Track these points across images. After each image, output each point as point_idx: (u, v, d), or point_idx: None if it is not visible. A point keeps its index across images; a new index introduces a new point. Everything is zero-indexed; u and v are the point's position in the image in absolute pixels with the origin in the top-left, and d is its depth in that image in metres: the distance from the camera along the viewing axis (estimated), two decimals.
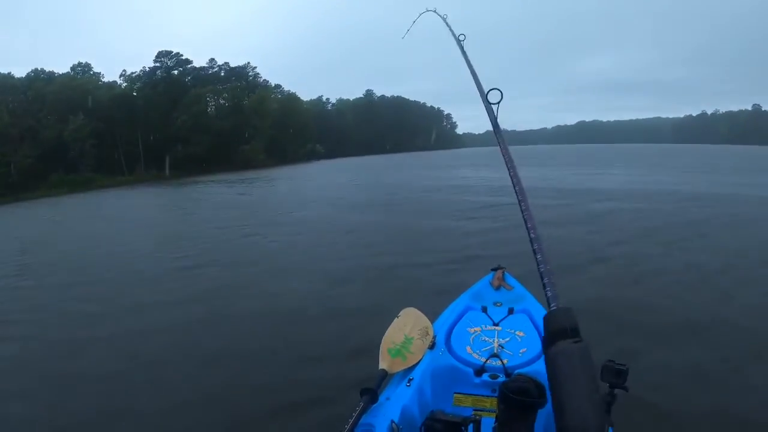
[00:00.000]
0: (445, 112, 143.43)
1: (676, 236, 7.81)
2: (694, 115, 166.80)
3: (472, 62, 2.49)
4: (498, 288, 3.05)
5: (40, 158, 42.98)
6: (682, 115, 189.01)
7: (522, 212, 1.51)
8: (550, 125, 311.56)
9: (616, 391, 1.45)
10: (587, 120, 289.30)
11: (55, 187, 39.15)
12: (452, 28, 2.89)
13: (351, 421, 1.66)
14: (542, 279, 1.31)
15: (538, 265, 1.34)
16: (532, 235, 1.44)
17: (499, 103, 1.91)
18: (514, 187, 1.62)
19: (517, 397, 1.52)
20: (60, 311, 6.19)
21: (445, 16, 3.08)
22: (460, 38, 2.79)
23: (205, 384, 3.69)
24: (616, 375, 1.45)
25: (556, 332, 1.10)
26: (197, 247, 9.49)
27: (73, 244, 11.75)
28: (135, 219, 16.27)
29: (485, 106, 1.95)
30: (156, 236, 11.74)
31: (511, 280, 3.13)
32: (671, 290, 5.18)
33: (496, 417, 1.65)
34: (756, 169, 22.38)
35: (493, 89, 1.92)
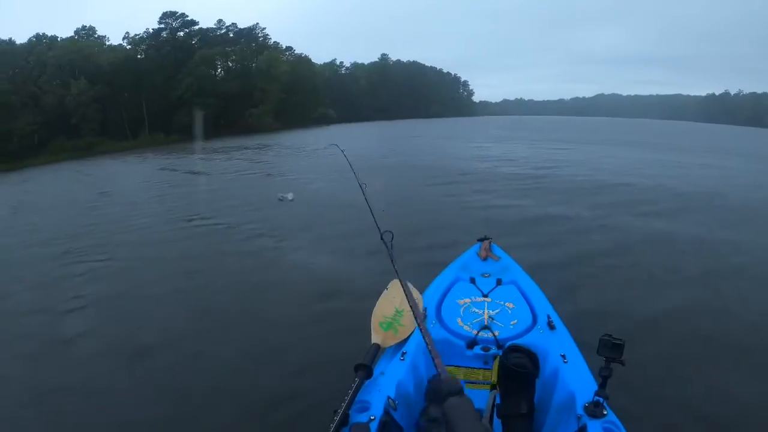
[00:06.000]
0: (462, 79, 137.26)
1: None
2: (716, 93, 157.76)
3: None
4: (485, 259, 3.11)
5: (43, 125, 41.87)
6: (703, 93, 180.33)
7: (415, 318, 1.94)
8: (567, 96, 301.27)
9: (612, 364, 1.54)
10: (606, 93, 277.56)
11: (57, 154, 38.05)
12: (358, 177, 3.02)
13: (347, 398, 1.65)
14: (431, 354, 1.65)
15: (426, 345, 1.68)
16: (418, 320, 1.80)
17: (392, 240, 2.34)
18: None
19: (519, 370, 1.69)
20: None
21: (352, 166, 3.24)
22: (362, 186, 2.92)
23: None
24: (613, 349, 1.53)
25: (449, 393, 1.34)
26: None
27: None
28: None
29: (384, 244, 2.39)
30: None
31: (498, 251, 3.26)
32: None
33: (492, 388, 1.86)
34: None
35: (386, 231, 2.35)
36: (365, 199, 2.65)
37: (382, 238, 2.42)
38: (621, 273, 4.87)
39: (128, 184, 17.09)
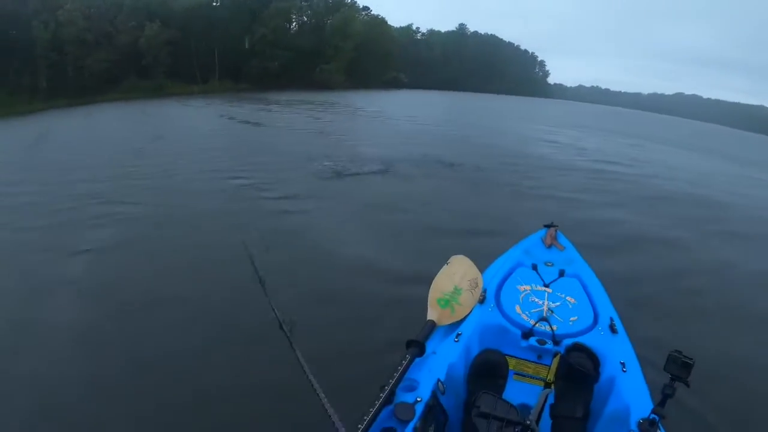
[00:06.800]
0: (539, 59, 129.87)
1: None
2: None
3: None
4: (550, 246, 2.95)
5: (115, 63, 41.60)
6: None
7: None
8: (645, 91, 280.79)
9: (676, 384, 1.41)
10: (686, 93, 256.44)
11: (128, 92, 38.03)
12: (258, 270, 2.26)
13: (397, 375, 1.59)
14: None
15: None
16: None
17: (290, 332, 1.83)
18: None
19: (581, 370, 1.57)
20: None
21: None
22: (261, 279, 2.16)
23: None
24: (682, 367, 1.40)
25: None
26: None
27: None
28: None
29: (284, 334, 1.73)
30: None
31: (564, 240, 3.07)
32: None
33: (547, 385, 1.74)
34: None
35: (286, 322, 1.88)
36: (265, 293, 1.97)
37: (281, 328, 1.76)
38: (692, 291, 4.54)
39: (184, 128, 17.23)
